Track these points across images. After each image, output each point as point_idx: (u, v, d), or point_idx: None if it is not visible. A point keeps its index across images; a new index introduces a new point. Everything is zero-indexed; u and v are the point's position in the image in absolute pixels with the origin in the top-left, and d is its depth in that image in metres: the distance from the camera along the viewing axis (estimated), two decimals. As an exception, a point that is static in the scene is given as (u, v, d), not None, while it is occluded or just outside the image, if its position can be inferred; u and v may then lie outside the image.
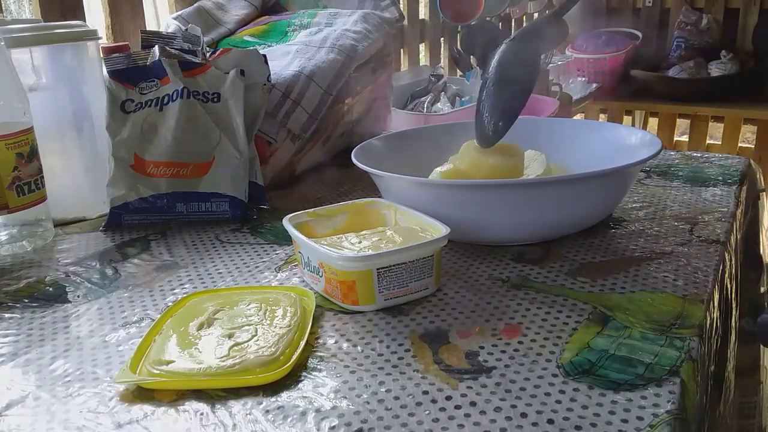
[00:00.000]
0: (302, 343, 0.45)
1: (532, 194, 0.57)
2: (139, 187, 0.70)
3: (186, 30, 0.83)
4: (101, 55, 0.74)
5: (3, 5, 0.89)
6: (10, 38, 0.65)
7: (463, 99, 1.34)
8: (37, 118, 0.65)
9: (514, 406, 0.38)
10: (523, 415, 0.38)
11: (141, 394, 0.41)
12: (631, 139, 0.69)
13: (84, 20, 0.95)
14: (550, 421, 0.37)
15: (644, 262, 0.57)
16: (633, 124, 2.79)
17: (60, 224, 0.72)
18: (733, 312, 0.65)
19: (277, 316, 0.48)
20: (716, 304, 0.53)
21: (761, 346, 0.88)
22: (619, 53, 2.53)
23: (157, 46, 0.72)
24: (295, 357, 0.43)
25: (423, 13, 1.99)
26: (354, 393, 0.40)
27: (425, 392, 0.40)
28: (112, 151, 0.69)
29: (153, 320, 0.50)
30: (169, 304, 0.53)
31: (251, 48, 0.82)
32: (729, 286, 0.61)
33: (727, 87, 2.40)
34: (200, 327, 0.47)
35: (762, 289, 0.86)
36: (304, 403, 0.40)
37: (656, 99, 2.53)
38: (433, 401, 0.39)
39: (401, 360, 0.44)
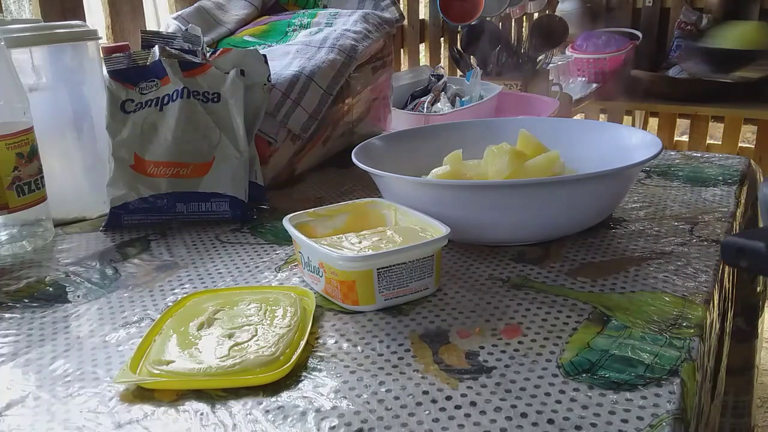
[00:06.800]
0: (302, 343, 0.45)
1: (532, 195, 0.57)
2: (139, 187, 0.70)
3: (186, 30, 0.83)
4: (101, 55, 0.74)
5: (3, 5, 0.89)
6: (10, 38, 0.64)
7: (463, 99, 1.34)
8: (37, 118, 0.65)
9: (514, 406, 0.38)
10: (523, 415, 0.38)
11: (141, 394, 0.41)
12: (631, 140, 0.69)
13: (84, 20, 0.95)
14: (550, 421, 0.37)
15: (644, 262, 0.57)
16: (633, 124, 2.79)
17: (60, 224, 0.72)
18: (729, 311, 0.65)
19: (277, 316, 0.48)
20: (716, 304, 0.53)
21: (755, 346, 0.89)
22: (619, 53, 2.54)
23: (157, 46, 0.72)
24: (295, 357, 0.43)
25: (423, 13, 1.99)
26: (354, 393, 0.40)
27: (425, 392, 0.40)
28: (112, 151, 0.69)
29: (153, 320, 0.50)
30: (169, 304, 0.53)
31: (251, 48, 0.82)
32: (727, 285, 0.62)
33: (727, 87, 2.39)
34: (200, 327, 0.47)
35: (758, 289, 0.86)
36: (304, 403, 0.40)
37: (656, 99, 2.52)
38: (433, 401, 0.39)
39: (401, 360, 0.44)
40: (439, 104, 1.31)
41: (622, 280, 0.54)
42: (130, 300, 0.54)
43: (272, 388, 0.41)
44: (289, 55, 0.85)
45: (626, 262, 0.57)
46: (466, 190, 0.58)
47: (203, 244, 0.66)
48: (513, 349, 0.44)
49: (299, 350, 0.44)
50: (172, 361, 0.43)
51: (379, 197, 0.63)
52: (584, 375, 0.41)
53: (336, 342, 0.46)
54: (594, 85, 2.44)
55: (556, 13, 2.58)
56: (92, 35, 0.72)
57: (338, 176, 0.88)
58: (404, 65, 1.88)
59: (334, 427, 0.37)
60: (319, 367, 0.43)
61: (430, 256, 0.51)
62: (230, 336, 0.45)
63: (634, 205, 0.71)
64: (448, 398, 0.39)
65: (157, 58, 0.71)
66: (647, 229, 0.64)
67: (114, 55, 0.71)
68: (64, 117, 0.72)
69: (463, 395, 0.40)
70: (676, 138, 2.78)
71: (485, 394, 0.40)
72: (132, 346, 0.47)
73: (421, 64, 1.91)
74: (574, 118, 2.27)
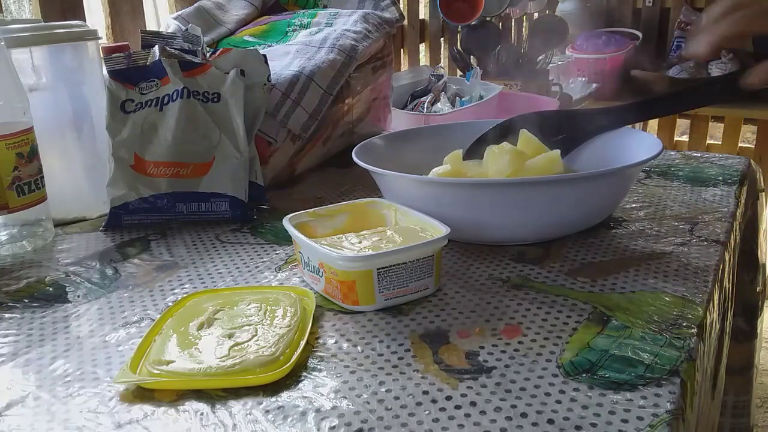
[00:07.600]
0: (302, 343, 0.45)
1: (533, 194, 0.57)
2: (139, 187, 0.70)
3: (186, 30, 0.83)
4: (101, 55, 0.74)
5: (3, 5, 0.89)
6: (10, 38, 0.64)
7: (463, 99, 1.34)
8: (37, 118, 0.65)
9: (514, 406, 0.38)
10: (523, 415, 0.38)
11: (141, 394, 0.41)
12: (631, 140, 0.69)
13: (84, 20, 0.95)
14: (550, 421, 0.37)
15: (644, 262, 0.57)
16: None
17: (60, 224, 0.72)
18: (729, 311, 0.65)
19: (277, 316, 0.48)
20: (716, 304, 0.53)
21: (755, 346, 0.89)
22: (619, 53, 2.53)
23: (157, 46, 0.72)
24: (295, 357, 0.43)
25: (423, 13, 1.99)
26: (354, 393, 0.40)
27: (425, 392, 0.40)
28: (112, 151, 0.69)
29: (153, 320, 0.50)
30: (169, 304, 0.53)
31: (251, 48, 0.82)
32: (727, 285, 0.62)
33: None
34: (200, 327, 0.47)
35: (758, 289, 0.86)
36: (304, 403, 0.40)
37: (656, 99, 2.52)
38: (433, 401, 0.39)
39: (401, 360, 0.44)
40: (439, 104, 1.31)
41: (622, 280, 0.54)
42: (130, 300, 0.54)
43: (272, 388, 0.41)
44: (289, 55, 0.85)
45: (626, 262, 0.57)
46: (466, 189, 0.58)
47: (203, 244, 0.66)
48: (513, 349, 0.44)
49: (299, 350, 0.44)
50: (172, 361, 0.43)
51: (379, 197, 0.63)
52: (584, 375, 0.41)
53: (336, 342, 0.46)
54: (594, 85, 2.44)
55: (556, 13, 2.57)
56: (92, 35, 0.72)
57: (338, 176, 0.88)
58: (404, 65, 1.88)
59: (334, 427, 0.37)
60: (319, 367, 0.43)
61: (430, 256, 0.51)
62: (230, 336, 0.45)
63: (634, 205, 0.71)
64: (448, 398, 0.39)
65: (157, 58, 0.71)
66: (647, 229, 0.64)
67: (114, 55, 0.71)
68: (64, 117, 0.72)
69: (463, 395, 0.40)
70: (676, 138, 2.78)
71: (485, 394, 0.40)
72: (132, 346, 0.47)
73: (421, 64, 1.91)
74: (574, 118, 2.26)
